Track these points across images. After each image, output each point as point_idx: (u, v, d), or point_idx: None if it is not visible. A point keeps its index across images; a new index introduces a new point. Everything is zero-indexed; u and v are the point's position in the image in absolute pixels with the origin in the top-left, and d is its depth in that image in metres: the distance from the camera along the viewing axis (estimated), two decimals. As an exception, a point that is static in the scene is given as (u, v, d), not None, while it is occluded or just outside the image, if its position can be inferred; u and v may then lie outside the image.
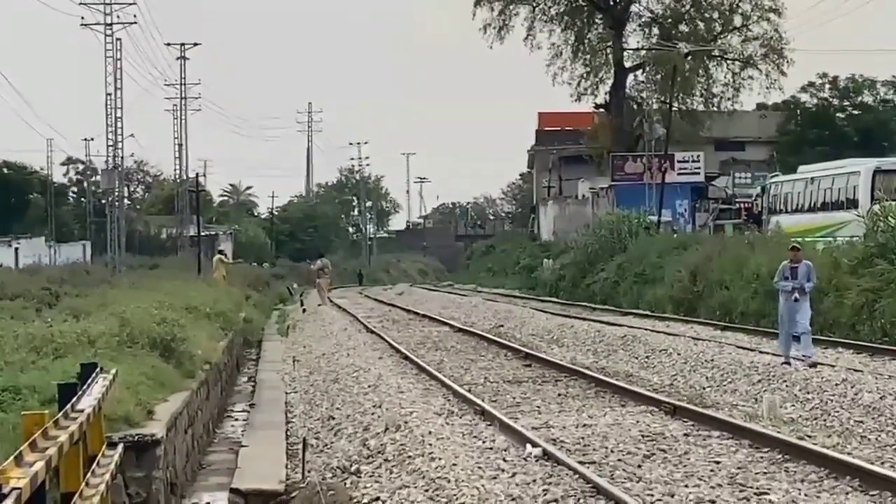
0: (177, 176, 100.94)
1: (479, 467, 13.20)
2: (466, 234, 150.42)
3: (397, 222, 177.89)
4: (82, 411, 9.57)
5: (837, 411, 17.21)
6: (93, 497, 9.05)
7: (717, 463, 13.36)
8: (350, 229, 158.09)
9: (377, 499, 12.75)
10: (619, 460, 13.68)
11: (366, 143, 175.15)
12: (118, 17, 75.08)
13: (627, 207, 56.44)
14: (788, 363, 21.32)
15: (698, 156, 71.97)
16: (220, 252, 60.01)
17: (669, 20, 74.11)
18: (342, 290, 77.33)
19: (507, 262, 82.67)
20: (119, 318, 20.58)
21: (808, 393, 18.65)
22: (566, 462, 13.18)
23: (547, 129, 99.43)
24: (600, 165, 77.36)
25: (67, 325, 19.55)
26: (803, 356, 21.61)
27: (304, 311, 50.16)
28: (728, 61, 73.31)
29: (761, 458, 13.63)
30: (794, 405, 18.05)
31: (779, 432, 14.97)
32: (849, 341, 25.37)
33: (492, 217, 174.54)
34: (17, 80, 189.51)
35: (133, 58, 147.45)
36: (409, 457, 14.39)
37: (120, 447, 11.68)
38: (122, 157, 79.08)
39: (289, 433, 18.82)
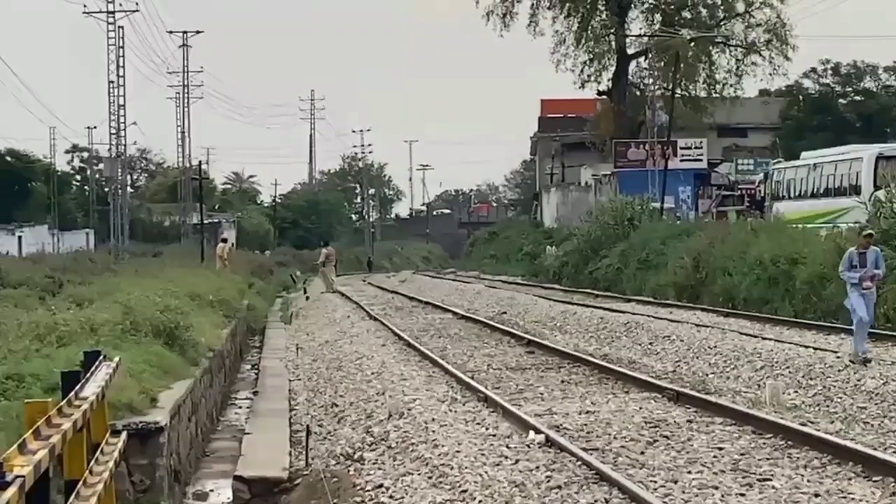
0: (180, 164, 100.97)
1: (483, 454, 13.22)
2: (469, 221, 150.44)
3: (400, 209, 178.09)
4: (86, 399, 9.58)
5: (840, 397, 17.22)
6: (96, 484, 9.07)
7: (721, 449, 13.37)
8: (353, 216, 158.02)
9: (381, 486, 12.76)
10: (623, 447, 13.69)
11: (368, 130, 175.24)
12: (121, 4, 75.31)
13: (630, 194, 56.40)
14: (868, 361, 19.31)
15: (701, 142, 71.92)
16: (223, 240, 59.88)
17: (672, 7, 73.97)
18: (346, 277, 77.35)
19: (510, 250, 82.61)
20: (122, 306, 20.61)
21: (811, 379, 18.66)
22: (569, 449, 13.19)
23: (550, 115, 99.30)
24: (603, 152, 77.28)
25: (71, 313, 19.59)
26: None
27: (307, 298, 50.17)
28: (731, 48, 73.19)
29: (764, 444, 13.64)
30: (797, 391, 18.06)
31: (782, 418, 14.98)
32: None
33: (494, 204, 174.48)
34: (20, 68, 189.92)
35: (136, 45, 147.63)
36: (413, 444, 14.41)
37: (123, 435, 11.70)
38: (125, 145, 79.36)
39: (292, 420, 18.82)
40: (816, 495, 11.11)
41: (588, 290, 46.00)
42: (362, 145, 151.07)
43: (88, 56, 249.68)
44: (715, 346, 23.05)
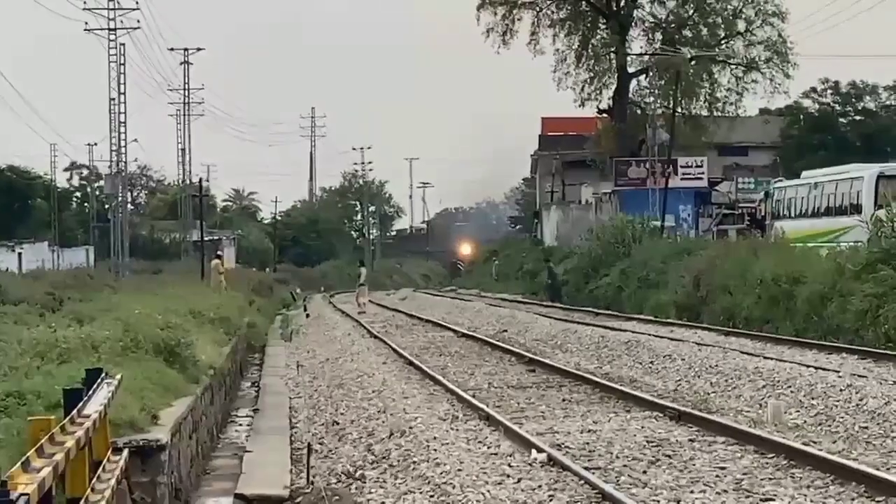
0: (180, 181, 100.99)
1: (485, 472, 13.20)
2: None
3: (401, 227, 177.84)
4: (88, 416, 9.57)
5: (842, 417, 17.19)
6: (98, 502, 9.05)
7: (723, 469, 13.34)
8: (353, 234, 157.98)
9: (382, 504, 12.74)
10: (625, 466, 13.66)
11: (369, 147, 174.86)
12: (122, 22, 75.07)
13: (631, 213, 56.41)
14: None
15: (701, 161, 71.91)
16: (218, 257, 59.47)
17: (673, 25, 74.05)
18: (346, 295, 77.28)
19: (511, 268, 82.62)
20: (123, 323, 20.56)
21: (813, 399, 18.63)
22: (571, 467, 13.17)
23: (550, 133, 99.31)
24: (603, 170, 77.30)
25: (71, 331, 19.53)
26: None
27: (307, 316, 50.16)
28: (732, 66, 73.28)
29: (766, 463, 13.61)
30: (798, 411, 18.02)
31: (784, 438, 14.94)
32: (853, 347, 25.32)
33: (494, 222, 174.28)
34: (21, 84, 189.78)
35: (137, 63, 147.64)
36: (414, 462, 14.40)
37: (125, 452, 11.67)
38: (125, 162, 79.07)
39: (293, 438, 18.81)
40: (819, 515, 11.08)
41: (588, 309, 45.99)
42: (363, 163, 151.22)
43: (89, 73, 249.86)
44: (716, 366, 23.02)
